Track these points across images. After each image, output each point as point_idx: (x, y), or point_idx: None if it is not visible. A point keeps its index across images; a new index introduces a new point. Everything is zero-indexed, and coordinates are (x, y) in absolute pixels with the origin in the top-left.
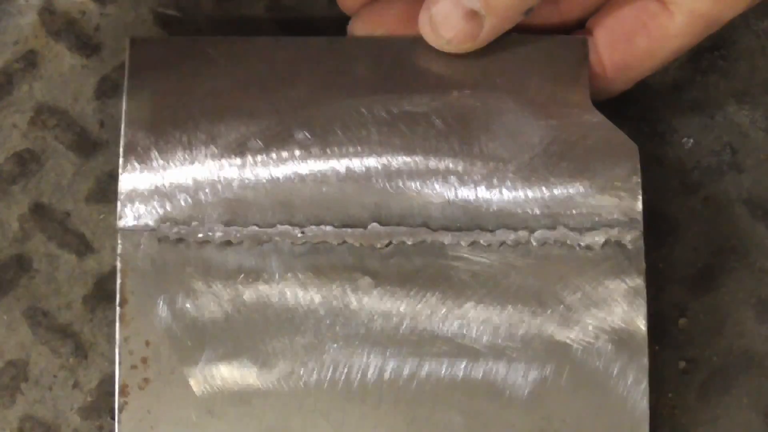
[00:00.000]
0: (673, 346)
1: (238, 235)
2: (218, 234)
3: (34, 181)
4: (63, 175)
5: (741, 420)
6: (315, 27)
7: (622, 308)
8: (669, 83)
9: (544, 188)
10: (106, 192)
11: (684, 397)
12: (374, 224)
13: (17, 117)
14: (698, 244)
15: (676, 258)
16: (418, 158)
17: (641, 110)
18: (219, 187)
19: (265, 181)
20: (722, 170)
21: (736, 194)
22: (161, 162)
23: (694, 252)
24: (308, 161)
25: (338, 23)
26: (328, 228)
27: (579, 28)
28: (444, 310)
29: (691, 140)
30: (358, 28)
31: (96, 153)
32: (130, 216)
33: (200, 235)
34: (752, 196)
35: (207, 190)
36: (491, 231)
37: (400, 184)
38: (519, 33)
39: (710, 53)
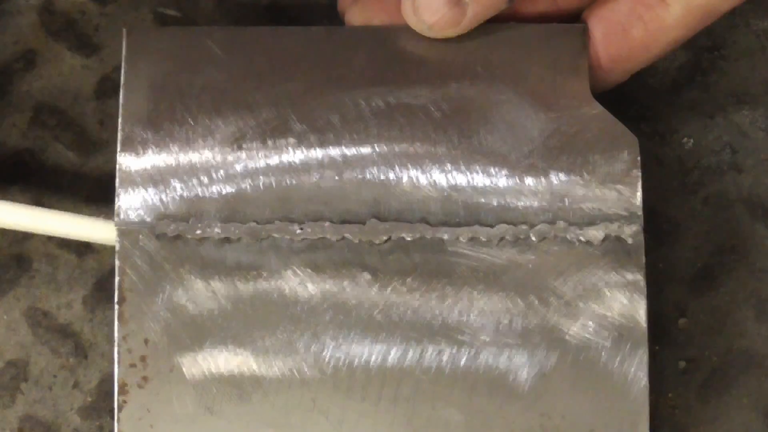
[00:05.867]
0: (673, 346)
1: (237, 231)
2: (216, 231)
3: (34, 181)
4: (63, 175)
5: (741, 420)
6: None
7: (621, 303)
8: (669, 83)
9: (543, 182)
10: (106, 192)
11: (684, 397)
12: (373, 220)
13: (17, 117)
14: (698, 244)
15: (676, 258)
16: (417, 152)
17: (641, 110)
18: (217, 183)
19: (263, 176)
20: (722, 170)
21: (736, 194)
22: (158, 158)
23: (694, 252)
24: (306, 156)
25: (338, 24)
26: (327, 224)
27: (575, 19)
28: (443, 305)
29: (691, 140)
30: (356, 16)
31: (96, 153)
32: (127, 213)
33: (198, 232)
34: (752, 196)
35: (205, 187)
36: (491, 226)
37: (399, 178)
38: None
39: (710, 53)
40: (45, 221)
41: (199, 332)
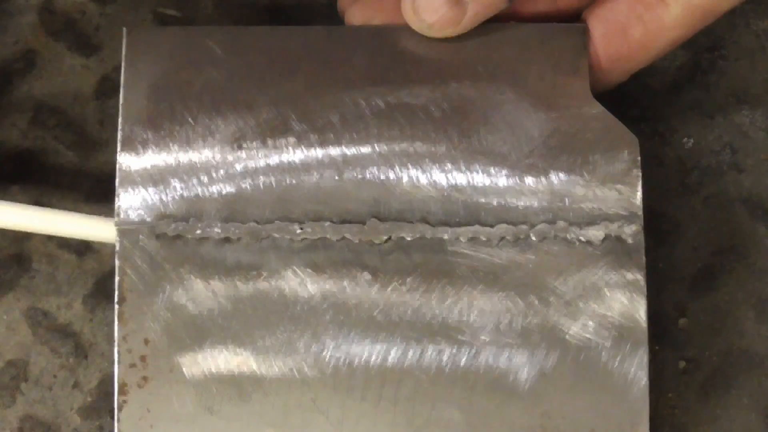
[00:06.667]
0: (673, 346)
1: (237, 231)
2: (216, 230)
3: (34, 181)
4: (63, 175)
5: (741, 420)
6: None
7: (621, 303)
8: (669, 83)
9: (543, 182)
10: (106, 192)
11: (684, 397)
12: (373, 220)
13: (17, 117)
14: (698, 244)
15: (676, 258)
16: (417, 151)
17: (641, 110)
18: (217, 182)
19: (263, 176)
20: (722, 170)
21: (736, 194)
22: (158, 157)
23: (694, 252)
24: (306, 156)
25: (338, 24)
26: (327, 224)
27: (574, 19)
28: (443, 305)
29: (691, 140)
30: (356, 16)
31: (96, 153)
32: (127, 213)
33: (198, 232)
34: (752, 196)
35: (205, 186)
36: (491, 226)
37: (399, 177)
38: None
39: (710, 53)
40: (45, 221)
41: (199, 332)
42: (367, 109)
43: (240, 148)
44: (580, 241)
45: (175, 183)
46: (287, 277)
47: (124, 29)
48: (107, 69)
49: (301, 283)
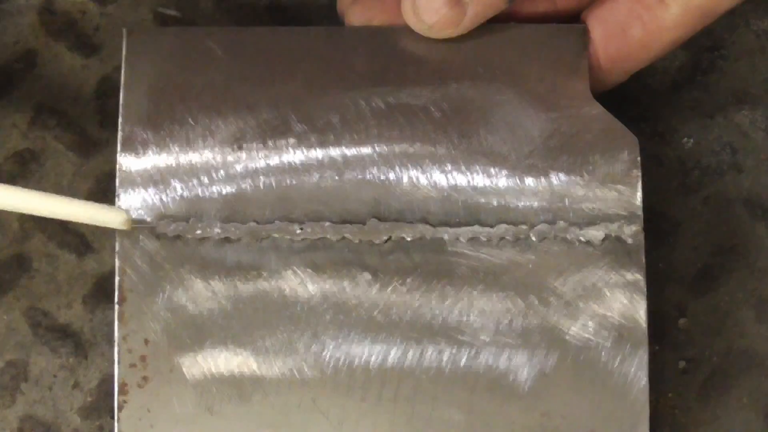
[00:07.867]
0: (673, 346)
1: (237, 231)
2: (216, 231)
3: (34, 181)
4: (63, 175)
5: (741, 420)
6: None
7: (621, 303)
8: (669, 83)
9: (543, 182)
10: (106, 192)
11: (684, 397)
12: (373, 220)
13: (17, 117)
14: (698, 244)
15: (676, 258)
16: (417, 152)
17: (641, 110)
18: (217, 183)
19: (263, 176)
20: (722, 170)
21: (736, 194)
22: (159, 158)
23: (694, 252)
24: (306, 156)
25: (338, 24)
26: (327, 224)
27: (574, 20)
28: (443, 305)
29: (691, 140)
30: (356, 17)
31: (96, 153)
32: (127, 213)
33: (198, 232)
34: (752, 196)
35: (205, 187)
36: (491, 226)
37: (399, 178)
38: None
39: (710, 53)
40: (53, 206)
41: (199, 332)
42: (367, 110)
43: (240, 148)
44: (580, 241)
45: (175, 183)
46: (287, 277)
47: (124, 29)
48: (107, 69)
49: (301, 283)
